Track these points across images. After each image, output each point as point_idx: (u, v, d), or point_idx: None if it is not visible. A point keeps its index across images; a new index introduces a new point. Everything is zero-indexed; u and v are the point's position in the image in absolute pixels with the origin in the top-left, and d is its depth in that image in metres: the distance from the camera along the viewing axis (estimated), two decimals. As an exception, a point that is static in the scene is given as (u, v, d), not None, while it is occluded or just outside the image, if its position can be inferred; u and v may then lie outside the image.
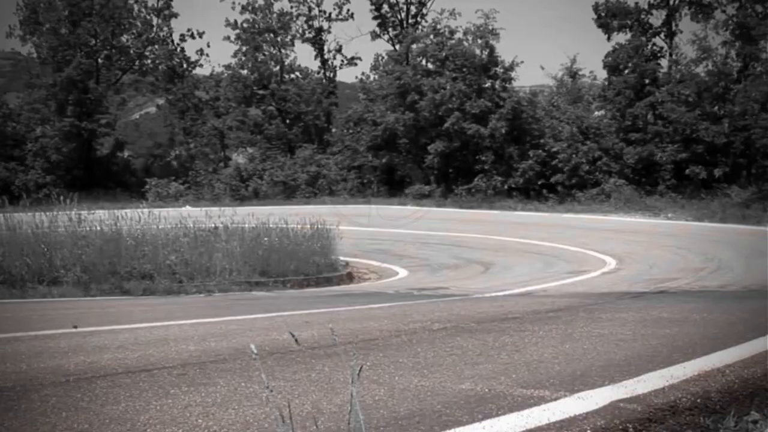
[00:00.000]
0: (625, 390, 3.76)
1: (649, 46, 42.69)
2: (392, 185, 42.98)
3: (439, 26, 44.84)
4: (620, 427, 3.17)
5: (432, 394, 3.81)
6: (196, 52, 52.84)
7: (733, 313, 7.24)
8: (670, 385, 3.88)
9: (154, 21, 52.28)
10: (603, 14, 43.00)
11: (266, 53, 49.75)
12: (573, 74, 45.09)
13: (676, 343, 5.37)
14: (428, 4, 49.65)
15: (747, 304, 8.69)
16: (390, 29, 49.97)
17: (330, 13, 51.01)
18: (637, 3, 42.63)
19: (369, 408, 3.50)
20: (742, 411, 3.60)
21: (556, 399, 3.62)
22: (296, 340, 2.80)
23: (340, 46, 52.01)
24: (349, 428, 2.65)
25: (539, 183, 39.97)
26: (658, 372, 4.22)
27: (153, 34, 52.23)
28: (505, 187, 39.53)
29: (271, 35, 49.73)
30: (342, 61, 51.91)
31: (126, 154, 53.28)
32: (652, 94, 40.50)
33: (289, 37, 50.31)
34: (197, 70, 53.29)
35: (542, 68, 66.49)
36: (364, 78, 50.73)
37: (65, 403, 3.74)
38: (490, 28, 42.57)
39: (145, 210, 16.52)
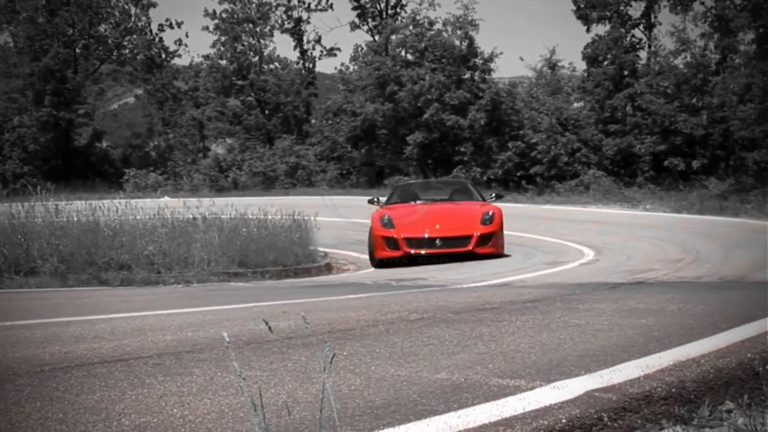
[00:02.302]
0: (601, 380, 3.77)
1: (628, 38, 42.88)
2: (371, 176, 43.00)
3: (418, 17, 44.90)
4: (595, 416, 3.18)
5: (408, 383, 3.81)
6: (175, 42, 52.82)
7: (709, 303, 7.27)
8: (646, 374, 3.89)
9: (132, 11, 52.17)
10: (582, 5, 43.11)
11: (245, 43, 49.69)
12: (552, 66, 45.25)
13: (652, 333, 5.39)
14: (407, -5, 49.69)
15: (723, 294, 8.73)
16: (369, 20, 50.00)
17: (309, 4, 51.02)
18: (616, -6, 42.75)
19: (345, 397, 3.50)
20: (716, 400, 3.62)
21: (531, 389, 3.63)
22: (270, 329, 2.79)
23: (320, 37, 52.11)
24: (321, 416, 2.64)
25: (518, 174, 40.10)
26: (634, 362, 4.23)
27: (131, 24, 52.06)
28: (484, 178, 39.63)
29: (250, 25, 49.65)
30: (321, 51, 52.05)
31: (104, 144, 53.12)
32: (631, 85, 40.68)
33: (268, 27, 50.30)
34: (176, 60, 53.30)
35: (521, 59, 66.66)
36: (343, 69, 50.73)
37: (40, 392, 3.72)
38: (470, 18, 42.68)
39: (123, 200, 16.45)
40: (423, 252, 16.14)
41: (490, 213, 16.53)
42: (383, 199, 18.71)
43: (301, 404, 3.40)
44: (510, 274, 12.80)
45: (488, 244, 16.20)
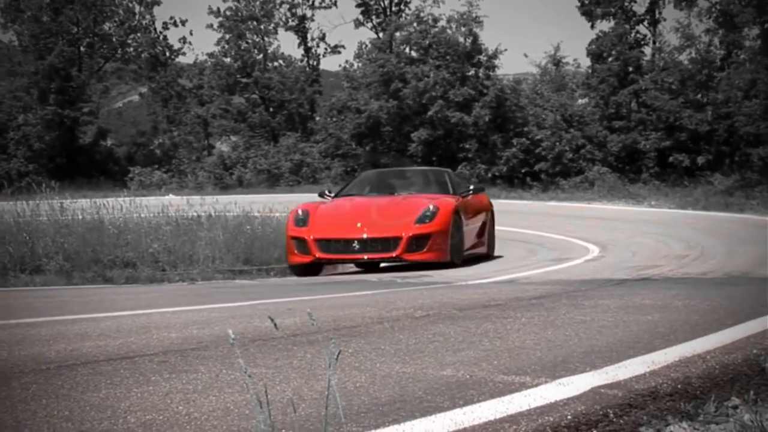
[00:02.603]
0: (607, 376, 3.77)
1: (633, 34, 42.82)
2: (376, 173, 42.95)
3: (422, 14, 44.88)
4: (601, 412, 3.18)
5: (414, 380, 3.81)
6: (179, 40, 52.71)
7: (714, 299, 7.26)
8: (651, 371, 3.88)
9: (137, 9, 52.19)
10: (587, 2, 43.04)
11: (249, 41, 49.69)
12: (557, 62, 45.22)
13: (657, 329, 5.38)
14: (412, -8, 49.61)
15: (728, 290, 8.72)
16: (373, 17, 49.92)
17: (313, 1, 50.96)
18: (620, -10, 42.70)
19: (350, 394, 3.49)
20: (722, 396, 3.61)
21: (537, 385, 3.62)
22: (275, 326, 2.78)
23: (324, 34, 52.01)
24: (326, 413, 2.64)
25: (523, 171, 40.08)
26: (639, 358, 4.22)
27: (135, 22, 52.07)
28: (489, 175, 39.61)
29: (254, 23, 49.65)
30: (325, 49, 51.91)
31: (109, 142, 53.11)
32: (636, 81, 40.64)
33: (273, 24, 50.29)
34: (180, 58, 53.31)
35: (526, 56, 66.76)
36: (347, 66, 50.68)
37: (45, 390, 3.72)
38: (474, 15, 42.65)
39: (127, 198, 16.48)
40: (338, 257, 13.09)
41: (431, 208, 12.83)
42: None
43: (307, 401, 3.40)
44: (515, 270, 12.77)
45: (423, 249, 12.62)
